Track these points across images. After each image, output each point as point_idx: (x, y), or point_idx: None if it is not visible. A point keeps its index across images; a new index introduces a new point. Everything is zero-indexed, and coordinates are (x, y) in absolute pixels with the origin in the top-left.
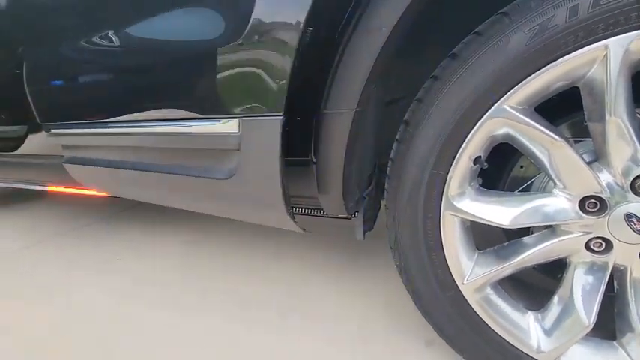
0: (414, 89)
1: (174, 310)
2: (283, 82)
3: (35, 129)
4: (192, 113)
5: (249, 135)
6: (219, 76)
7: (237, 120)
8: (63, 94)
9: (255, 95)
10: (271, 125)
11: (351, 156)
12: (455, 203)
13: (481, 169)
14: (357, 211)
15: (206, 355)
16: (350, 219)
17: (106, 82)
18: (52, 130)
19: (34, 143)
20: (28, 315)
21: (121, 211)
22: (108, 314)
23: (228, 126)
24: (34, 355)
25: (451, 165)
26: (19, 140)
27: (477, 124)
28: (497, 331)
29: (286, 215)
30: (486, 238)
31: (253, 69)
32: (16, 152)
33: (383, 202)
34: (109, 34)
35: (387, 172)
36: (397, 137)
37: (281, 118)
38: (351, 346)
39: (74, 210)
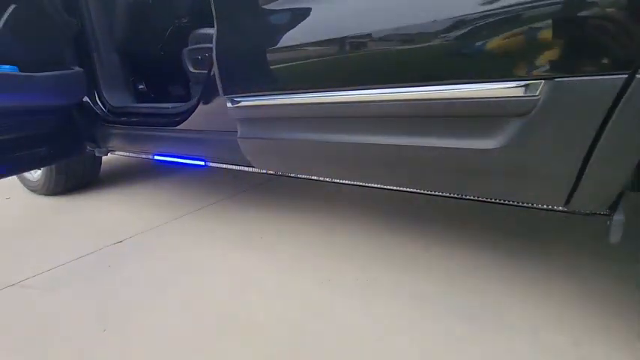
0: None
1: (361, 298)
2: None
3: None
4: (465, 74)
5: (556, 99)
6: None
7: (536, 81)
8: (259, 61)
9: (590, 51)
10: (601, 87)
11: None
12: None
13: None
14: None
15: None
16: (607, 215)
17: (346, 43)
18: (241, 102)
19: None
20: (203, 288)
21: (243, 191)
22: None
23: (518, 89)
24: (222, 323)
25: None
26: (181, 115)
27: None
28: None
29: (564, 194)
30: None
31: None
32: (180, 128)
33: None
34: None
35: None
36: None
37: (624, 76)
38: None
39: (204, 186)
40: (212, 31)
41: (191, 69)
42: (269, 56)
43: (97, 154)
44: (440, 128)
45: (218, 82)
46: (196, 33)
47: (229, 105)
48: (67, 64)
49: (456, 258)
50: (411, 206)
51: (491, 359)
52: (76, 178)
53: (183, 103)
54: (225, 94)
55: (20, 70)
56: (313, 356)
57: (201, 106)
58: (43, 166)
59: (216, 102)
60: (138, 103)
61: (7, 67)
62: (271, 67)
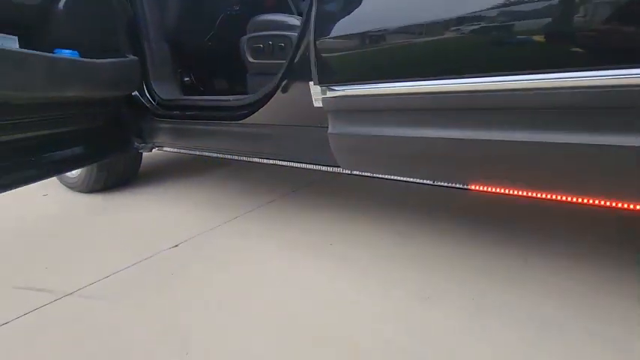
0: None
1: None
2: None
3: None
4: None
5: None
6: None
7: None
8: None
9: None
10: None
11: None
12: None
13: None
14: None
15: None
16: None
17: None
18: (339, 91)
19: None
20: (282, 302)
21: (293, 191)
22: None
23: None
24: (318, 344)
25: None
26: (248, 108)
27: None
28: None
29: None
30: None
31: None
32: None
33: None
34: None
35: None
36: None
37: None
38: None
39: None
40: (274, 17)
41: (250, 59)
42: (383, 37)
43: (140, 150)
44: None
45: (313, 69)
46: (257, 20)
47: (322, 95)
48: (122, 51)
49: (562, 273)
50: (489, 208)
51: None
52: (117, 175)
53: (246, 96)
54: (321, 82)
55: (81, 56)
56: None
57: (275, 98)
58: (91, 164)
59: (296, 93)
60: (185, 95)
61: (68, 51)
62: (386, 49)
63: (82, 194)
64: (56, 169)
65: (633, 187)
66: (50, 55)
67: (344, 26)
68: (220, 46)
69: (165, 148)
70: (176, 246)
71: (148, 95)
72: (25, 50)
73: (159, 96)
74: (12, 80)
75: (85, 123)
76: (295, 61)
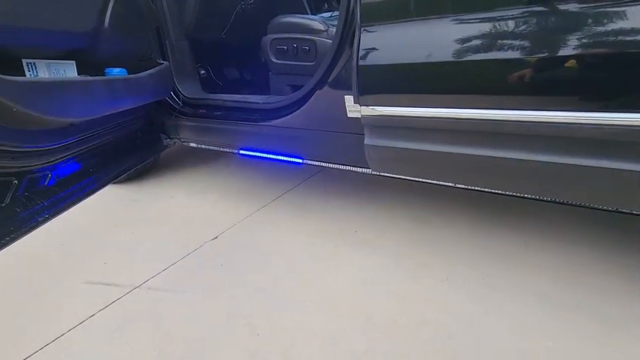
0: None
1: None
2: None
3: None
4: None
5: None
6: None
7: None
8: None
9: None
10: None
11: None
12: None
13: None
14: None
15: None
16: None
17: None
18: (377, 109)
19: None
20: (326, 287)
21: (305, 180)
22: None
23: None
24: (359, 323)
25: None
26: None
27: None
28: None
29: None
30: None
31: None
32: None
33: None
34: None
35: None
36: None
37: None
38: None
39: (265, 174)
40: (299, 20)
41: (273, 59)
42: (425, 69)
43: (165, 146)
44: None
45: (354, 88)
46: (280, 21)
47: (361, 111)
48: (154, 57)
49: (560, 255)
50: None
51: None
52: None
53: (275, 98)
54: (360, 102)
55: (127, 72)
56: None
57: (308, 105)
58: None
59: (329, 103)
60: (203, 91)
61: (117, 70)
62: (422, 81)
63: (109, 186)
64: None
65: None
66: (109, 78)
67: (389, 55)
68: (235, 40)
69: (190, 144)
70: (216, 237)
71: (172, 94)
72: (89, 77)
73: (183, 94)
74: (79, 106)
75: (125, 130)
76: (331, 73)
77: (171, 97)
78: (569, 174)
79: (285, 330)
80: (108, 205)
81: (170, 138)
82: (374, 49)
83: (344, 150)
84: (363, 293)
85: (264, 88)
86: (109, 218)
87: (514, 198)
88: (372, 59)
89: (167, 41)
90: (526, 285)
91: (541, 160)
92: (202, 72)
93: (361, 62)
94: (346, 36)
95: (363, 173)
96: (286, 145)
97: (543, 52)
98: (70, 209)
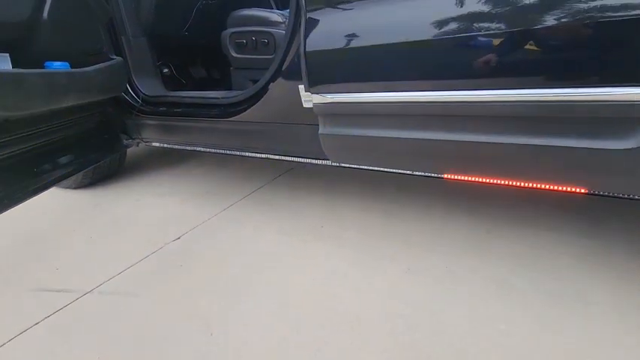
0: None
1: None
2: None
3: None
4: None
5: None
6: None
7: None
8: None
9: None
10: None
11: None
12: None
13: None
14: None
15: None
16: None
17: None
18: (329, 98)
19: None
20: (289, 284)
21: (274, 178)
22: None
23: None
24: (323, 319)
25: None
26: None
27: None
28: None
29: None
30: None
31: None
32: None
33: None
34: None
35: None
36: None
37: None
38: None
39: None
40: (257, 12)
41: (233, 53)
42: (372, 52)
43: (128, 146)
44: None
45: (304, 76)
46: (238, 14)
47: (313, 99)
48: (105, 52)
49: (519, 241)
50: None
51: (585, 344)
52: (103, 169)
53: (233, 92)
54: (311, 90)
55: (71, 66)
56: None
57: (265, 98)
58: (87, 168)
59: (285, 94)
60: (166, 89)
61: (58, 63)
62: (373, 65)
63: (70, 190)
64: (56, 177)
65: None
66: (47, 71)
67: (333, 40)
68: (198, 37)
69: (153, 143)
70: (178, 238)
71: (132, 92)
72: (23, 70)
73: (143, 92)
74: (12, 100)
75: (77, 128)
76: (284, 63)
77: (129, 95)
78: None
79: (240, 328)
80: (67, 210)
81: (131, 138)
82: (319, 34)
83: (302, 142)
84: (325, 288)
85: (227, 88)
86: (67, 223)
87: (483, 185)
88: (318, 44)
89: (123, 37)
90: (484, 271)
91: (494, 141)
92: (165, 70)
93: (308, 49)
94: (297, 24)
95: (326, 166)
96: (246, 140)
97: (492, 30)
98: (19, 212)
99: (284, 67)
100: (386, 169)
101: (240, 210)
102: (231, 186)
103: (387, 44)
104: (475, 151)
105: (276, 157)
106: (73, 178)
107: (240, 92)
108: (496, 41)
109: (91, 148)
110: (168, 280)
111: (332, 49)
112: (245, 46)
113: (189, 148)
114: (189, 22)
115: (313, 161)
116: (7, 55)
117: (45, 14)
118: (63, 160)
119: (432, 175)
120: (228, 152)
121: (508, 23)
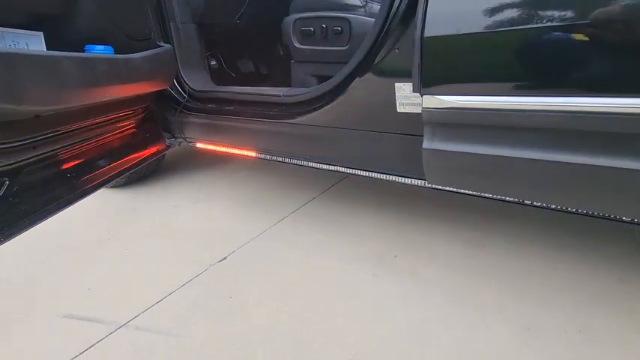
0: None
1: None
2: None
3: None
4: None
5: None
6: None
7: None
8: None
9: None
10: None
11: None
12: None
13: None
14: None
15: None
16: None
17: None
18: (447, 101)
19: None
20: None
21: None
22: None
23: None
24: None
25: None
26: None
27: None
28: None
29: None
30: None
31: None
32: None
33: None
34: None
35: None
36: None
37: None
38: None
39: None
40: None
41: (297, 44)
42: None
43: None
44: None
45: (416, 71)
46: None
47: (423, 102)
48: (153, 39)
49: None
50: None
51: None
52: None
53: (301, 90)
54: (425, 90)
55: (115, 51)
56: None
57: (343, 97)
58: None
59: (371, 94)
60: (214, 82)
61: (101, 47)
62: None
63: (106, 189)
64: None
65: None
66: (84, 55)
67: (474, 21)
68: (252, 26)
69: (197, 144)
70: (224, 259)
71: (177, 86)
72: (59, 53)
73: (189, 86)
74: (44, 91)
75: (118, 127)
76: (375, 55)
77: (175, 89)
78: None
79: None
80: (101, 214)
81: (174, 137)
82: (447, 14)
83: (389, 155)
84: (407, 344)
85: (284, 84)
86: (102, 229)
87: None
88: (445, 28)
89: (171, 23)
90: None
91: None
92: (213, 62)
93: (428, 33)
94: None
95: (410, 185)
96: (312, 147)
97: None
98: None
99: (376, 60)
100: (514, 200)
101: (292, 226)
102: (279, 195)
103: (567, 25)
104: None
105: (349, 170)
106: None
107: (307, 90)
108: None
109: (132, 150)
110: (217, 317)
111: (468, 35)
112: (312, 35)
113: (237, 151)
114: (242, 8)
115: (399, 179)
116: (41, 34)
117: None
118: (100, 163)
119: (601, 215)
120: (286, 161)
121: None
